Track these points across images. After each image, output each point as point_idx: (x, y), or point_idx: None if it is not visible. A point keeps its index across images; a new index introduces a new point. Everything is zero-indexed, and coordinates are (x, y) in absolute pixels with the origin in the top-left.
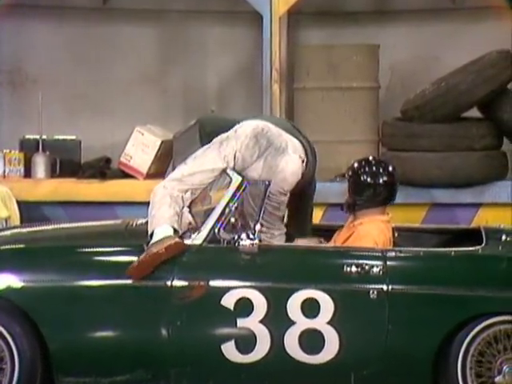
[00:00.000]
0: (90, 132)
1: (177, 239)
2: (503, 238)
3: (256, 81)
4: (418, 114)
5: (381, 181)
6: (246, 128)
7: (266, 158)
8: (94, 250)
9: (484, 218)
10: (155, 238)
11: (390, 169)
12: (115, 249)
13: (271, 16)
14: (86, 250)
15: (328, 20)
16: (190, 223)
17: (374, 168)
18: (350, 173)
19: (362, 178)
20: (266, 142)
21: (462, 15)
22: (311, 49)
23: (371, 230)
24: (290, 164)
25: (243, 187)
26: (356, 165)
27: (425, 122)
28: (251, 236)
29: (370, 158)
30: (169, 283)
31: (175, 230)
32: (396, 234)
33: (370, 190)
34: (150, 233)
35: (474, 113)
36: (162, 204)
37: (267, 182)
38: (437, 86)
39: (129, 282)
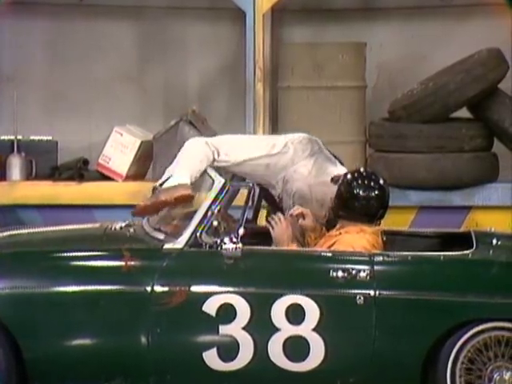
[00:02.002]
0: (67, 132)
1: (190, 192)
2: (494, 242)
3: (239, 80)
4: (405, 114)
5: (373, 197)
6: (299, 134)
7: (317, 158)
8: (71, 254)
9: (474, 221)
10: (169, 183)
11: (382, 182)
12: (93, 253)
13: (254, 13)
14: (63, 255)
15: (313, 17)
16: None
17: (367, 182)
18: (344, 186)
19: (355, 192)
20: (318, 148)
21: (451, 13)
22: (296, 47)
23: (355, 242)
24: (339, 172)
25: (226, 189)
26: (349, 177)
27: (413, 123)
28: (234, 239)
29: (362, 169)
30: (148, 289)
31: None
32: (384, 238)
33: (360, 205)
34: (166, 176)
35: (464, 113)
36: (194, 155)
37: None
38: (425, 86)
39: (107, 287)
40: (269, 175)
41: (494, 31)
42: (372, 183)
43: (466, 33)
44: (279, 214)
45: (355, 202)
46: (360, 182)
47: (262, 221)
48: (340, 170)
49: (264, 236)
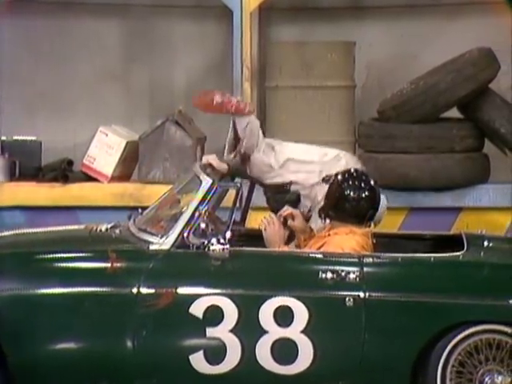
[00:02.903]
0: (52, 132)
1: (250, 108)
2: (485, 244)
3: (226, 79)
4: (395, 114)
5: (364, 198)
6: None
7: None
8: (56, 256)
9: (465, 223)
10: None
11: (372, 183)
12: (78, 255)
13: (242, 11)
14: (47, 256)
15: (301, 16)
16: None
17: (358, 183)
18: (335, 186)
19: (345, 193)
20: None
21: (442, 11)
22: (284, 46)
23: (345, 243)
24: None
25: (214, 190)
26: (340, 178)
27: (403, 123)
28: (222, 241)
29: (352, 170)
30: (134, 290)
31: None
32: (374, 240)
33: (350, 206)
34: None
35: (454, 113)
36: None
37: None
38: (415, 86)
39: (92, 289)
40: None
41: (485, 30)
42: (362, 184)
43: (456, 32)
44: (271, 215)
45: (345, 203)
46: (350, 182)
47: (250, 222)
48: None
49: (252, 238)
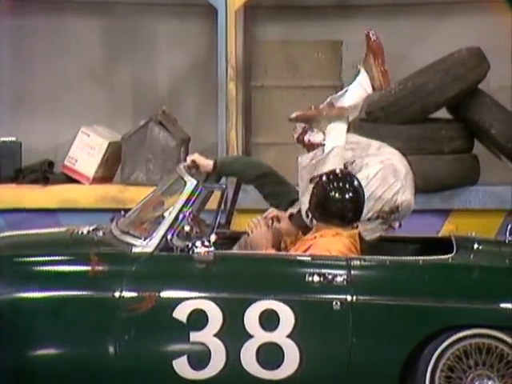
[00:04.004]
0: (32, 133)
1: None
2: (475, 246)
3: (211, 79)
4: (383, 114)
5: (348, 198)
6: None
7: None
8: (37, 259)
9: (454, 225)
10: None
11: (356, 184)
12: (59, 258)
13: (227, 10)
14: (28, 260)
15: (287, 14)
16: None
17: (342, 184)
18: (319, 187)
19: (330, 195)
20: None
21: (430, 10)
22: (269, 45)
23: (331, 245)
24: None
25: (198, 191)
26: (324, 179)
27: (391, 124)
28: (206, 243)
29: (337, 170)
30: (117, 294)
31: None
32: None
33: (335, 207)
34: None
35: (443, 114)
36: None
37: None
38: (403, 86)
39: (74, 293)
40: None
41: (475, 29)
42: (347, 185)
43: (445, 31)
44: (258, 218)
45: (330, 204)
46: (335, 183)
47: (235, 225)
48: None
49: (238, 240)
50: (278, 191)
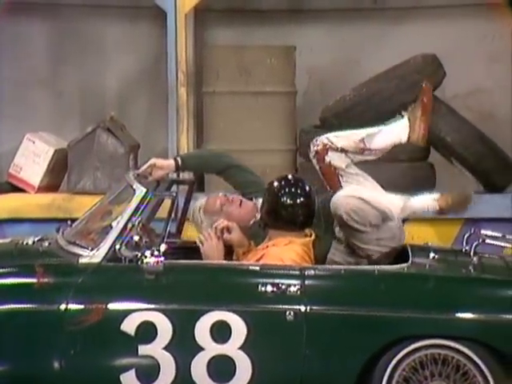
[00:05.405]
0: None
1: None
2: (431, 256)
3: (161, 83)
4: (337, 121)
5: (300, 203)
6: None
7: None
8: None
9: (410, 234)
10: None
11: (308, 189)
12: (3, 270)
13: (176, 13)
14: None
15: (239, 18)
16: None
17: (294, 189)
18: (271, 193)
19: (281, 200)
20: None
21: (386, 16)
22: (221, 50)
23: (284, 254)
24: None
25: (148, 199)
26: (276, 184)
27: (345, 131)
28: (156, 253)
29: (290, 176)
30: (63, 307)
31: None
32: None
33: (286, 213)
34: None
35: None
36: None
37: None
38: (358, 92)
39: (18, 306)
40: None
41: (431, 36)
42: (299, 190)
43: (400, 37)
44: (209, 229)
45: (281, 210)
46: (286, 189)
47: (186, 234)
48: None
49: (188, 250)
50: (251, 179)
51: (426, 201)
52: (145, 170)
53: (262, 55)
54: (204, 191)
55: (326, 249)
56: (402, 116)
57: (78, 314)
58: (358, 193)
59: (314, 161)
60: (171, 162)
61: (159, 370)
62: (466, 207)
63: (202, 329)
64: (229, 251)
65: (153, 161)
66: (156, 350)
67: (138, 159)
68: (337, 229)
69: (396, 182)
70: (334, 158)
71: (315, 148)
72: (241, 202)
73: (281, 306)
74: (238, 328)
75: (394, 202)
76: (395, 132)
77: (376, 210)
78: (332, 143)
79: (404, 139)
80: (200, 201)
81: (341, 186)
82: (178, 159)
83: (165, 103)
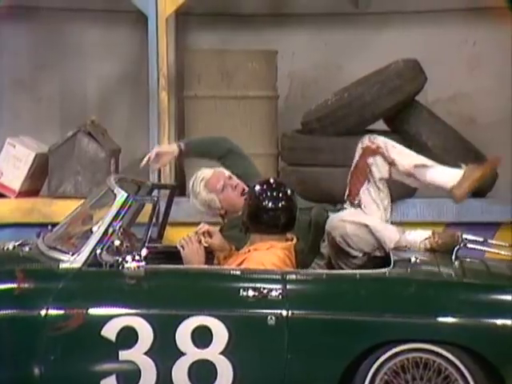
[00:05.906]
0: None
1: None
2: (412, 260)
3: (142, 88)
4: (319, 126)
5: (281, 207)
6: None
7: None
8: None
9: None
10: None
11: (289, 193)
12: None
13: (157, 17)
14: None
15: (221, 22)
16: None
17: (275, 193)
18: (252, 197)
19: (263, 204)
20: None
21: (367, 21)
22: (203, 54)
23: (265, 258)
24: None
25: (129, 204)
26: (257, 188)
27: (327, 135)
28: (137, 258)
29: (272, 180)
30: (43, 312)
31: None
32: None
33: (267, 217)
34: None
35: (380, 126)
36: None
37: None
38: (339, 97)
39: None
40: None
41: (412, 41)
42: (280, 194)
43: (382, 42)
44: (189, 234)
45: (262, 214)
46: (268, 193)
47: (167, 239)
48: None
49: (170, 255)
50: (250, 172)
51: (420, 237)
52: (153, 160)
53: (243, 59)
54: (185, 195)
55: (307, 267)
56: (461, 167)
57: (58, 319)
58: (362, 219)
59: (358, 152)
60: (174, 147)
61: (140, 376)
62: (454, 247)
63: (183, 334)
64: (210, 256)
65: (157, 149)
66: (137, 355)
67: (118, 163)
68: (323, 244)
69: None
70: (377, 164)
71: (368, 144)
72: (243, 190)
73: (262, 311)
74: (220, 333)
75: (391, 235)
76: (446, 176)
77: (374, 239)
78: (387, 150)
79: (448, 187)
80: (205, 171)
81: (358, 191)
82: (182, 144)
83: (146, 107)
